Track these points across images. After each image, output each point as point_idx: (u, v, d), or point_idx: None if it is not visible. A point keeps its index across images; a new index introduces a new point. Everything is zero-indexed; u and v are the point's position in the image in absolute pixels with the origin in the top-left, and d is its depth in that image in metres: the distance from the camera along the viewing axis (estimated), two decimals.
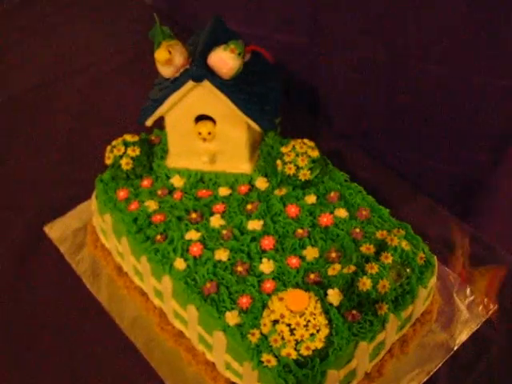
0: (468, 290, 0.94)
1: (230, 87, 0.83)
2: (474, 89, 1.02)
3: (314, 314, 0.72)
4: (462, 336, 0.89)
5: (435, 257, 0.85)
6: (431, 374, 0.85)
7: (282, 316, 0.71)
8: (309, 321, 0.71)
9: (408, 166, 1.18)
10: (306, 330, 0.71)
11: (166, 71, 0.84)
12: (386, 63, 1.09)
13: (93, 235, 1.01)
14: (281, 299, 0.73)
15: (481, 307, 0.92)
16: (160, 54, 0.82)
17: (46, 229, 1.04)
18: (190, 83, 0.84)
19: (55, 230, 1.04)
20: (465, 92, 1.03)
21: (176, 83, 0.85)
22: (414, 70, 1.06)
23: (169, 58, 0.82)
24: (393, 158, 1.19)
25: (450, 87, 1.04)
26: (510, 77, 0.97)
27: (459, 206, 1.14)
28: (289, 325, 0.71)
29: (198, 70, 0.82)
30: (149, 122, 0.90)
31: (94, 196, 0.96)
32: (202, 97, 0.85)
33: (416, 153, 1.17)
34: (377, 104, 1.18)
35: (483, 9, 0.94)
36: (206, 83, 0.83)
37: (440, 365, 0.86)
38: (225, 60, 0.81)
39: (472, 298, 0.93)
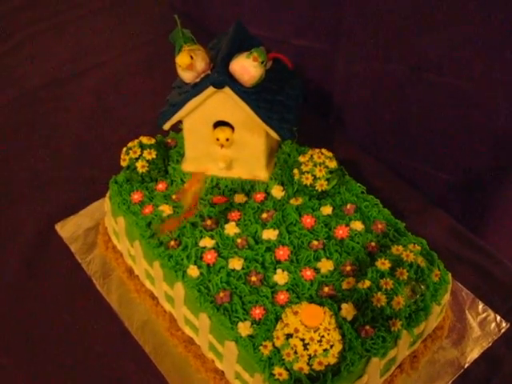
0: (480, 307, 0.93)
1: (250, 95, 0.83)
2: (487, 102, 1.01)
3: (329, 330, 0.71)
4: (473, 354, 0.88)
5: (450, 274, 0.84)
6: None
7: (296, 330, 0.71)
8: (323, 336, 0.70)
9: (419, 177, 1.18)
10: (320, 345, 0.70)
11: (187, 76, 0.84)
12: (402, 74, 1.09)
13: (104, 236, 1.01)
14: (295, 313, 0.72)
15: (493, 325, 0.91)
16: (182, 59, 0.81)
17: (57, 227, 1.04)
18: (211, 89, 0.83)
19: (66, 229, 1.03)
20: (478, 104, 1.03)
21: (196, 88, 0.84)
22: (429, 82, 1.06)
23: (190, 63, 0.81)
24: (404, 167, 1.19)
25: (464, 99, 1.04)
26: None
27: (469, 217, 1.14)
28: (302, 339, 0.70)
29: (220, 77, 0.81)
30: (166, 126, 0.89)
31: (107, 197, 0.95)
32: (221, 103, 0.85)
33: (428, 163, 1.17)
34: (391, 114, 1.18)
35: (497, 22, 0.93)
36: (227, 90, 0.82)
37: (450, 382, 0.85)
38: (247, 68, 0.81)
39: (484, 315, 0.92)
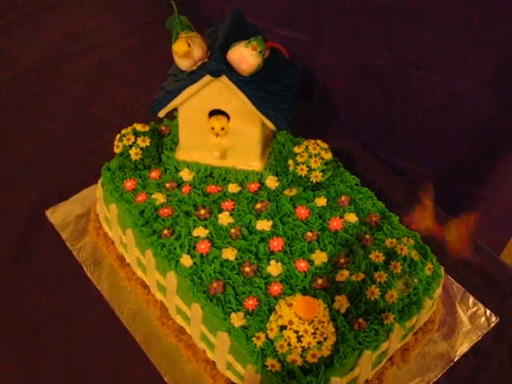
0: (471, 301, 0.93)
1: (247, 84, 0.82)
2: (470, 96, 1.02)
3: (323, 322, 0.71)
4: (463, 347, 0.89)
5: (442, 268, 0.84)
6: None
7: (291, 322, 0.70)
8: (317, 328, 0.70)
9: (403, 171, 1.18)
10: (314, 337, 0.70)
11: (184, 63, 0.83)
12: (385, 69, 1.09)
13: (96, 223, 0.99)
14: (290, 305, 0.72)
15: (483, 319, 0.91)
16: (179, 47, 0.80)
17: (48, 213, 1.02)
18: (207, 77, 0.82)
19: (57, 215, 1.02)
20: (461, 99, 1.04)
21: (192, 76, 0.83)
22: (411, 76, 1.06)
23: (188, 50, 0.80)
24: (388, 162, 1.19)
25: (446, 94, 1.04)
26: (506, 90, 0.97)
27: (455, 210, 1.14)
28: (296, 331, 0.70)
29: (217, 65, 0.80)
30: (161, 114, 0.88)
31: (99, 184, 0.94)
32: (218, 92, 0.84)
33: (412, 158, 1.18)
34: (374, 108, 1.18)
35: (480, 20, 0.94)
36: (224, 78, 0.81)
37: (440, 375, 0.86)
38: (245, 57, 0.80)
39: (474, 309, 0.93)
